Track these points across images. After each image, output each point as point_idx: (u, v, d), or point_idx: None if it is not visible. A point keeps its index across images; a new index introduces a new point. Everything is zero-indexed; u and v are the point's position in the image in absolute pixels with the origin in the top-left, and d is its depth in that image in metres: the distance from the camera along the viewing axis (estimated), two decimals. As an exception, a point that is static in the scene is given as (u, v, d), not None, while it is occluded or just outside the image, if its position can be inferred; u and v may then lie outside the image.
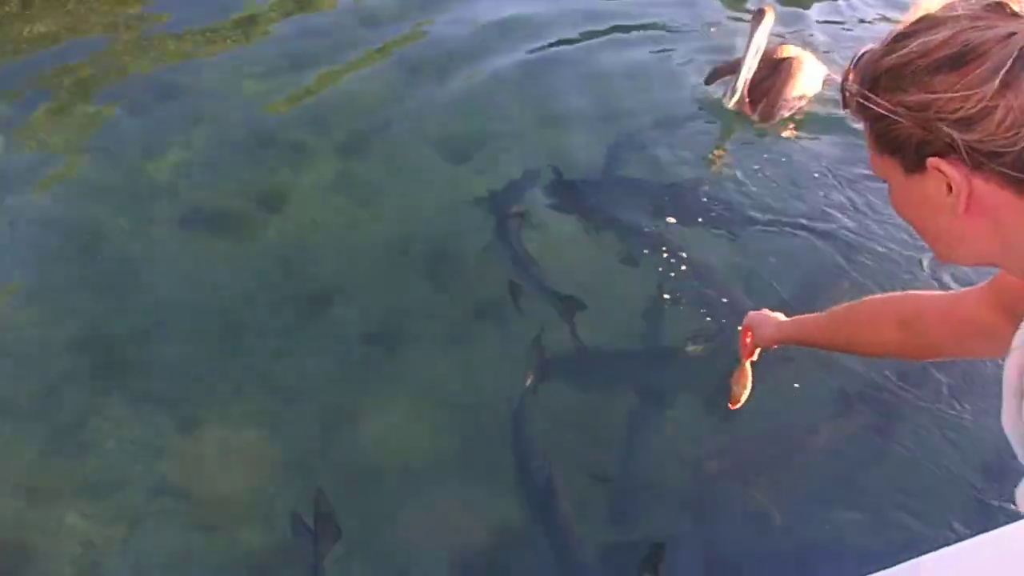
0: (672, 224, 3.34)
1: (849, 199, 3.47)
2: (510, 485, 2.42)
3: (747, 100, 3.85)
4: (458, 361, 2.77)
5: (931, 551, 1.07)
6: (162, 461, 2.45)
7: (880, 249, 3.21)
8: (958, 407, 2.62)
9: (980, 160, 0.81)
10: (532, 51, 4.38)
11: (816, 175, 3.62)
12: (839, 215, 3.39)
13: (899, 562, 1.07)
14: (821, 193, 3.52)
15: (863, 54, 0.90)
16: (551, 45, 4.45)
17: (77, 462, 2.43)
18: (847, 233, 3.29)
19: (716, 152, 3.87)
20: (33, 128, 3.73)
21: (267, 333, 2.83)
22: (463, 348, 2.82)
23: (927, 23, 0.84)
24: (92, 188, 3.42)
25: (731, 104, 3.86)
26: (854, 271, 3.12)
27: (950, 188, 0.85)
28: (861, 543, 2.28)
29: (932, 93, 0.81)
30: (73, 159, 3.60)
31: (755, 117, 3.88)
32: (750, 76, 3.81)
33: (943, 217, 0.90)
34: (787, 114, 3.90)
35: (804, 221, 3.36)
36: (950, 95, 0.79)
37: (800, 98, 3.91)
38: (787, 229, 3.34)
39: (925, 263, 3.12)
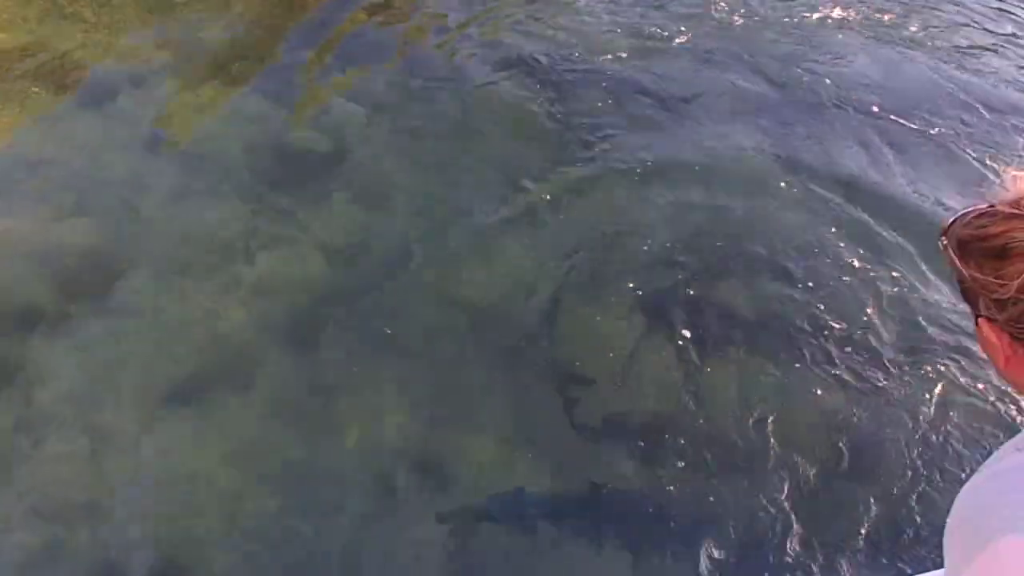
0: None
1: None
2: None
3: None
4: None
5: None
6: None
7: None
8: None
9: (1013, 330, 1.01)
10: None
11: None
12: None
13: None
14: None
15: (957, 218, 1.09)
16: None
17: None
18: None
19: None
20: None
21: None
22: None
23: (997, 213, 1.01)
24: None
25: None
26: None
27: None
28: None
29: (980, 272, 1.01)
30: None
31: None
32: None
33: (999, 361, 1.09)
34: None
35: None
36: (991, 279, 0.99)
37: None
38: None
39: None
